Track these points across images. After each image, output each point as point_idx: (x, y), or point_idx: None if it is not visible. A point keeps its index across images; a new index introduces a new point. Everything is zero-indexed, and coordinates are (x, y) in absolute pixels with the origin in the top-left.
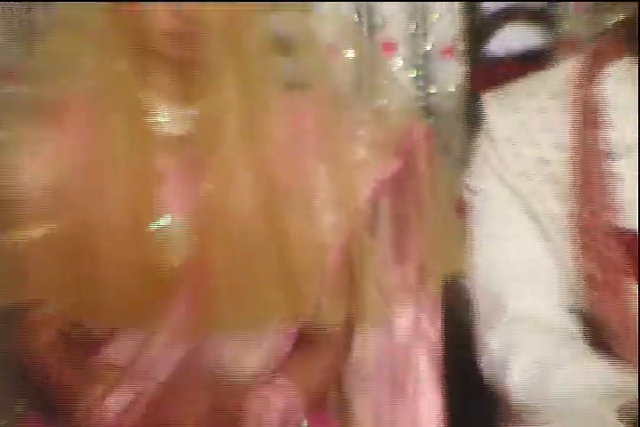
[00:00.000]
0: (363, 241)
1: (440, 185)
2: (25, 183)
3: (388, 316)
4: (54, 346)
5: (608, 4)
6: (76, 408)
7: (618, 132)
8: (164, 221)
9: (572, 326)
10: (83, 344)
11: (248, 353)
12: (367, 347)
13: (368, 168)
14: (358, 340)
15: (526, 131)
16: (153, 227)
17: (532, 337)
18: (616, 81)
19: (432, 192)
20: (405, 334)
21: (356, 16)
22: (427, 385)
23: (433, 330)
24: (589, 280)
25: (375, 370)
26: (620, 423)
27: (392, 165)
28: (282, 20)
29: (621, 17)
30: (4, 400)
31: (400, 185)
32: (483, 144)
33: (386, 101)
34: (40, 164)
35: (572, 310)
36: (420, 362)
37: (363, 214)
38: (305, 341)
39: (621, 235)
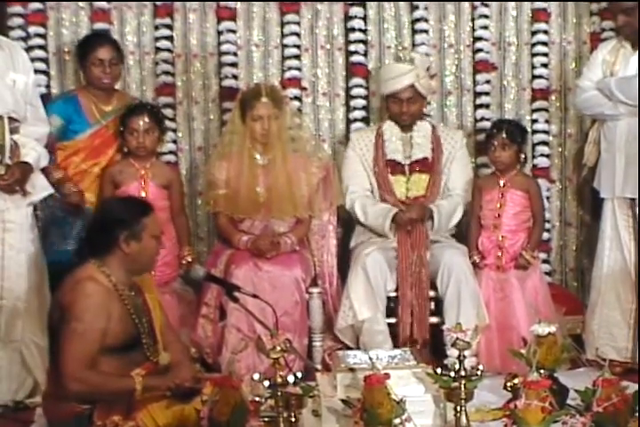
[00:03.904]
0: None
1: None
2: (218, 176)
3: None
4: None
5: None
6: None
7: None
8: (259, 188)
9: None
10: (233, 220)
11: (280, 225)
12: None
13: (316, 174)
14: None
15: None
16: (257, 190)
17: None
18: None
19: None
20: None
21: None
22: None
23: None
24: None
25: None
26: None
27: (322, 173)
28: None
29: None
30: None
31: (325, 178)
32: None
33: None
34: (222, 169)
35: None
36: None
37: (316, 184)
38: (298, 222)
39: None
